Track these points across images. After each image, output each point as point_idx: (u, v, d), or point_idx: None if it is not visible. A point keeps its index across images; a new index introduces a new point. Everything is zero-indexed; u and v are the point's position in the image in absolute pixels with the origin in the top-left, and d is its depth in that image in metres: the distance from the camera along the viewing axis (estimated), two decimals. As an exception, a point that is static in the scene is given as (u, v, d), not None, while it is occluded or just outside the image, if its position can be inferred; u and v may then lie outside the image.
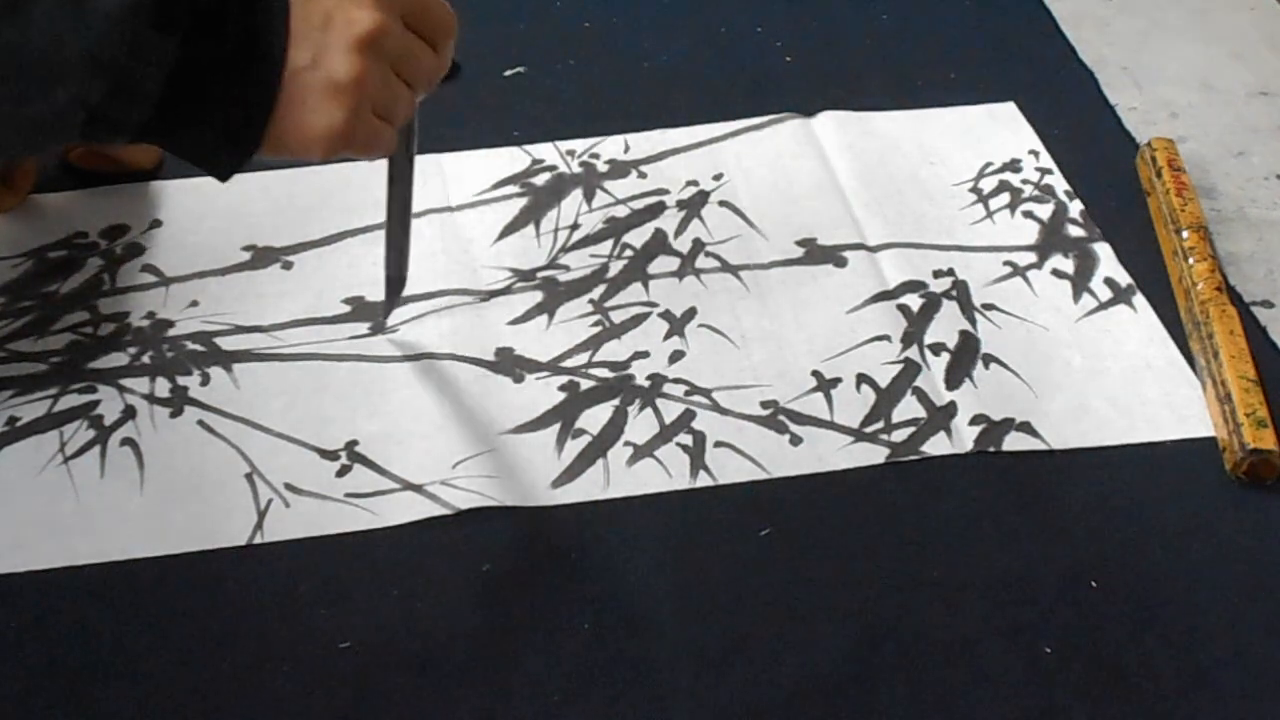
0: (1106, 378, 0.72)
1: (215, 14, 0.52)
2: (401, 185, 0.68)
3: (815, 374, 0.72)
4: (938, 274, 0.78)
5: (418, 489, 0.65)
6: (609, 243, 0.80)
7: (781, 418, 0.69)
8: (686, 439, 0.68)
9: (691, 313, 0.75)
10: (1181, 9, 1.01)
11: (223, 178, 0.57)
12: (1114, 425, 0.69)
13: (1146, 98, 0.92)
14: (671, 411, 0.70)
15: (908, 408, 0.70)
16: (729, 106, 0.90)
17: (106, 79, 0.50)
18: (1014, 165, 0.86)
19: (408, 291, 0.75)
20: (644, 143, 0.87)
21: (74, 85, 0.50)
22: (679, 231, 0.81)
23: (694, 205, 0.82)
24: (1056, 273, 0.79)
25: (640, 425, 0.69)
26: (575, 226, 0.81)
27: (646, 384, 0.71)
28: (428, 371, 0.71)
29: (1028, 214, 0.82)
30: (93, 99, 0.50)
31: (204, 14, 0.52)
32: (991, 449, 0.68)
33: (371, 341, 0.73)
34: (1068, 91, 0.93)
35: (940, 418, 0.70)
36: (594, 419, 0.69)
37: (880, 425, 0.69)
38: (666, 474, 0.66)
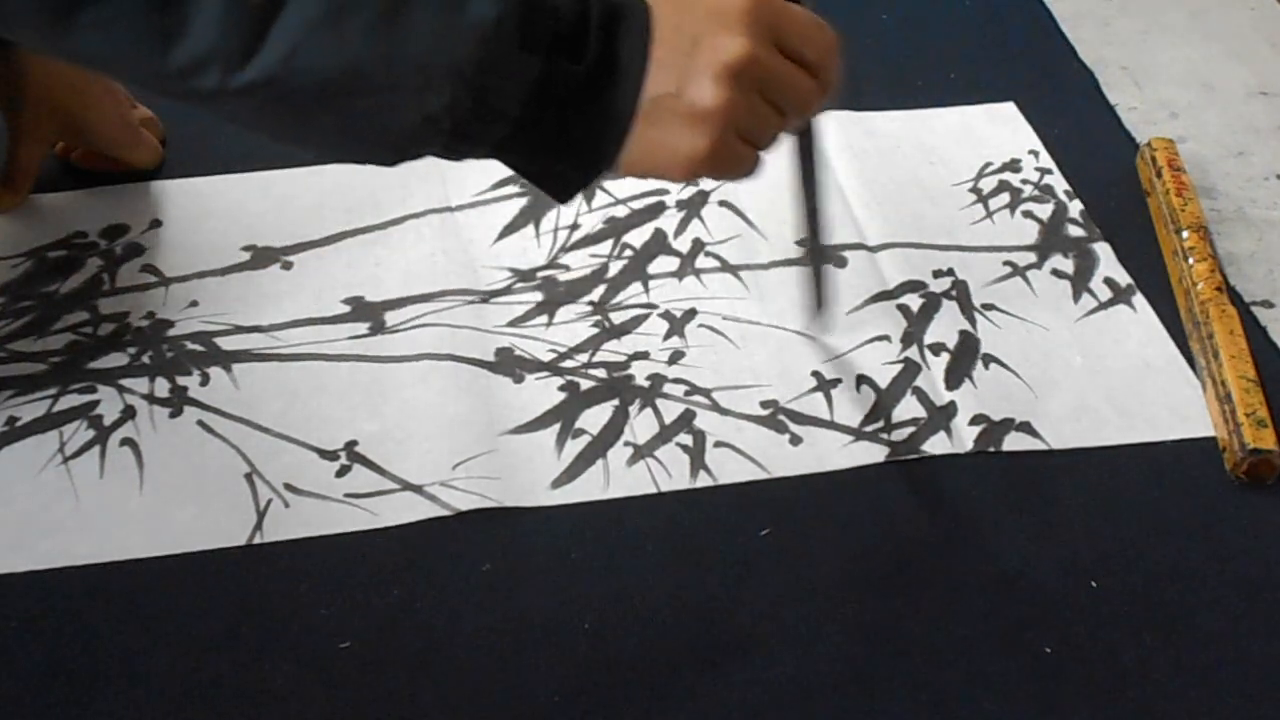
0: (1106, 378, 0.72)
1: (576, 35, 0.51)
2: (808, 190, 0.67)
3: (815, 374, 0.72)
4: (937, 274, 0.78)
5: (417, 489, 0.65)
6: (609, 243, 0.80)
7: (781, 417, 0.69)
8: (686, 439, 0.68)
9: (691, 313, 0.75)
10: (1181, 9, 1.01)
11: (564, 200, 0.55)
12: (1114, 425, 0.69)
13: (1146, 98, 0.92)
14: (671, 411, 0.70)
15: (908, 407, 0.70)
16: (729, 106, 0.90)
17: (472, 94, 0.50)
18: (1014, 165, 0.86)
19: (408, 292, 0.75)
20: (644, 143, 0.87)
21: (444, 98, 0.50)
22: (679, 231, 0.81)
23: (694, 205, 0.82)
24: (1056, 273, 0.78)
25: (640, 425, 0.69)
26: (575, 226, 0.81)
27: (646, 384, 0.71)
28: (428, 372, 0.71)
29: (1027, 214, 0.82)
30: (459, 113, 0.50)
31: (565, 35, 0.51)
32: (991, 449, 0.68)
33: (371, 341, 0.73)
34: (1068, 91, 0.92)
35: (940, 417, 0.70)
36: (594, 419, 0.69)
37: (880, 425, 0.69)
38: (666, 474, 0.66)
